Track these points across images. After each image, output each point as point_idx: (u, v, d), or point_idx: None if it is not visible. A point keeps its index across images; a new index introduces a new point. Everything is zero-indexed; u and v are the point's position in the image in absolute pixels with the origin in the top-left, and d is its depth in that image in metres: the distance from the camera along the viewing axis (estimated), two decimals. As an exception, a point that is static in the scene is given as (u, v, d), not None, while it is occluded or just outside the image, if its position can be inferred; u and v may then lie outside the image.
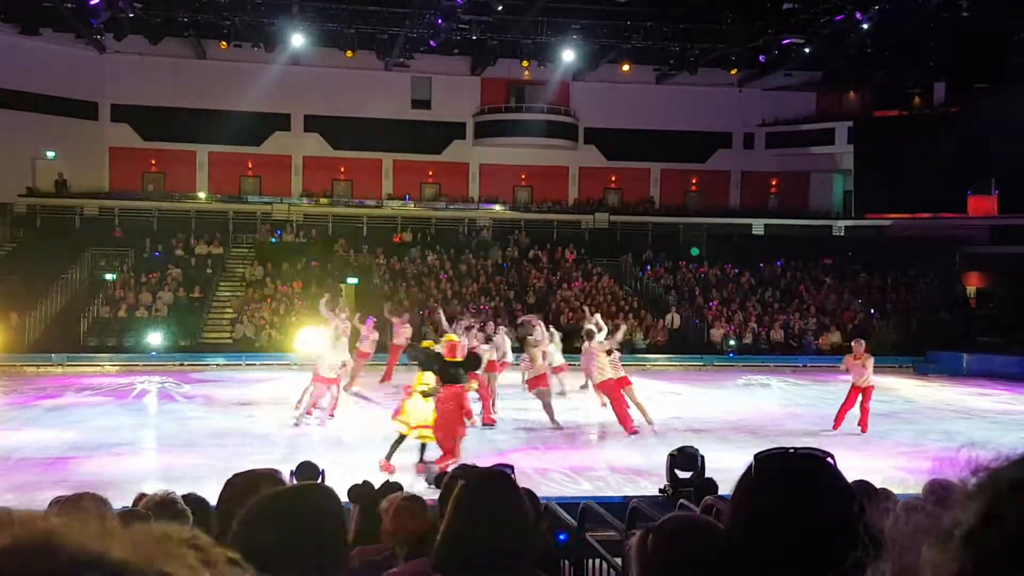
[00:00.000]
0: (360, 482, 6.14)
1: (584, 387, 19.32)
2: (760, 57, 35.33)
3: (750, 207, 42.22)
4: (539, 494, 5.42)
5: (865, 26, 30.65)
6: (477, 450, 13.75)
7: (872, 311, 32.98)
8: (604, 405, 16.23)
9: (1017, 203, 35.61)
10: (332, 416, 16.55)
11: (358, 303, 27.47)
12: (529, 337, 17.44)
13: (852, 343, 16.84)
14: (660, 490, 9.05)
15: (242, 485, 2.71)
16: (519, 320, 22.05)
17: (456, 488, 2.41)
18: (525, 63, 36.54)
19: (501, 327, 20.62)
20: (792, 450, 1.71)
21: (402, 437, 12.15)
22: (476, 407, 15.16)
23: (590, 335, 15.98)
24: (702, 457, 8.83)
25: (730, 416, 18.31)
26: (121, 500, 5.70)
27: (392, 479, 7.59)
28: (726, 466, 9.86)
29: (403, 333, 22.09)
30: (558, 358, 18.98)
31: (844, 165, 41.03)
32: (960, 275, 36.47)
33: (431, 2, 30.30)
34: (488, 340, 18.58)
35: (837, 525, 1.52)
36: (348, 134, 39.18)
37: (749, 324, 31.52)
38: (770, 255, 36.94)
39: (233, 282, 32.63)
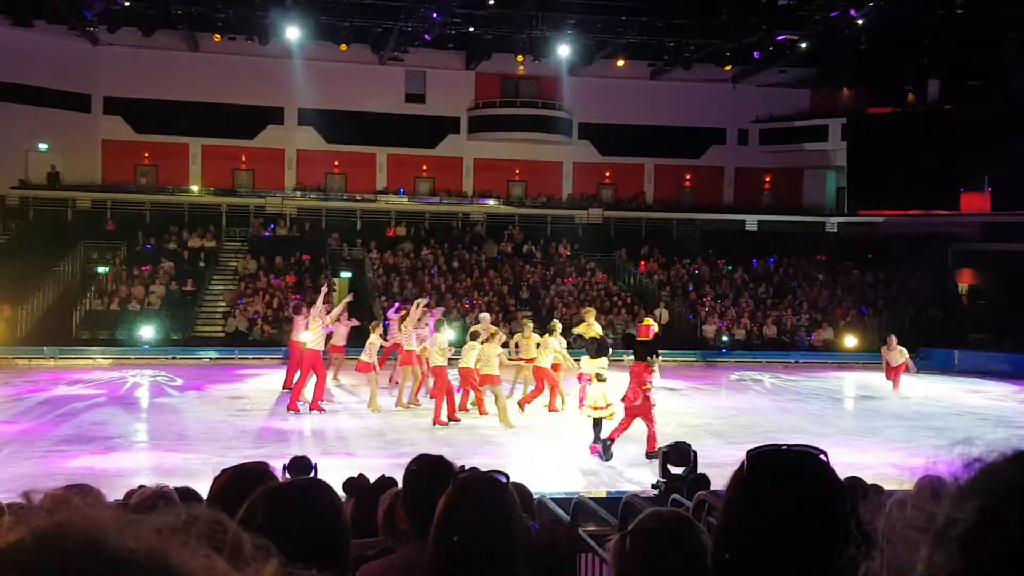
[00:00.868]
0: (356, 475, 6.14)
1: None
2: (755, 53, 35.35)
3: (744, 203, 42.28)
4: (532, 489, 5.43)
5: (860, 23, 30.71)
6: (469, 444, 13.78)
7: (864, 307, 33.07)
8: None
9: (1009, 200, 35.75)
10: (320, 409, 16.65)
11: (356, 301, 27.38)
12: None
13: (888, 337, 22.42)
14: (653, 485, 9.08)
15: (232, 480, 2.70)
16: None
17: (448, 489, 2.41)
18: (519, 58, 36.50)
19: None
20: (785, 446, 1.71)
21: (598, 421, 13.08)
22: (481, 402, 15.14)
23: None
24: (695, 452, 8.87)
25: (723, 412, 18.37)
26: (113, 495, 5.69)
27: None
28: (718, 461, 9.91)
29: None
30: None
31: (837, 162, 41.09)
32: (952, 272, 36.60)
33: (426, -4, 30.27)
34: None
35: (829, 521, 1.53)
36: (342, 128, 39.09)
37: (742, 320, 31.60)
38: (763, 251, 37.01)
39: (226, 275, 32.58)
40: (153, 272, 30.59)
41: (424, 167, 40.97)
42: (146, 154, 38.69)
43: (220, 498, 2.59)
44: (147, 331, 27.54)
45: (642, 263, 35.69)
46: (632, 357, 13.39)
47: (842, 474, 1.81)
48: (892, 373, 22.03)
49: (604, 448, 12.76)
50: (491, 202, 40.16)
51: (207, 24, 33.55)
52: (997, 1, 29.09)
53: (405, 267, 32.97)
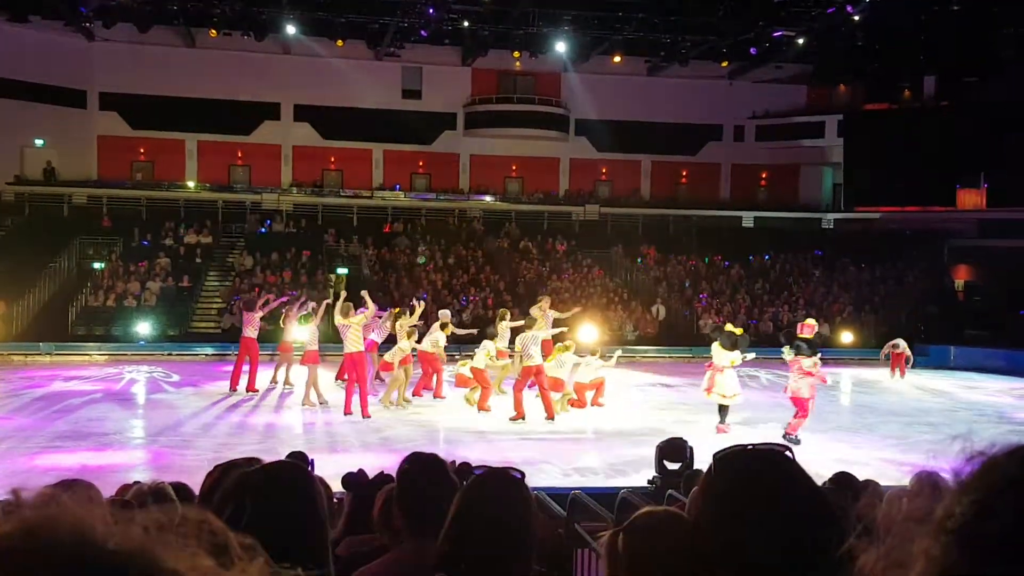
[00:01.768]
0: (356, 470, 6.12)
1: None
2: (751, 50, 35.36)
3: (740, 199, 42.31)
4: (529, 484, 5.43)
5: (856, 19, 30.71)
6: (463, 439, 13.78)
7: (861, 304, 33.10)
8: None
9: (1005, 197, 35.79)
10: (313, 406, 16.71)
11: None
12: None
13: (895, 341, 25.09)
14: (649, 481, 9.07)
15: (224, 476, 2.69)
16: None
17: (466, 484, 2.41)
18: (516, 54, 36.49)
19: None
20: (751, 446, 1.70)
21: (724, 407, 14.97)
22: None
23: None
24: (691, 448, 8.84)
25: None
26: (108, 491, 5.68)
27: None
28: (715, 458, 9.91)
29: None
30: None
31: (834, 158, 41.13)
32: (948, 268, 36.63)
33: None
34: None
35: (800, 519, 1.52)
36: (338, 124, 39.06)
37: (739, 316, 31.58)
38: (759, 247, 37.03)
39: (222, 271, 32.52)
40: (149, 268, 30.54)
41: (420, 163, 40.95)
42: (142, 150, 38.62)
43: (212, 495, 2.58)
44: (143, 327, 27.50)
45: (638, 259, 35.70)
46: (790, 353, 14.62)
47: (838, 469, 1.80)
48: (895, 362, 24.46)
49: (791, 442, 13.28)
50: (488, 198, 40.13)
51: (203, 20, 33.50)
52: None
53: (401, 263, 32.96)
